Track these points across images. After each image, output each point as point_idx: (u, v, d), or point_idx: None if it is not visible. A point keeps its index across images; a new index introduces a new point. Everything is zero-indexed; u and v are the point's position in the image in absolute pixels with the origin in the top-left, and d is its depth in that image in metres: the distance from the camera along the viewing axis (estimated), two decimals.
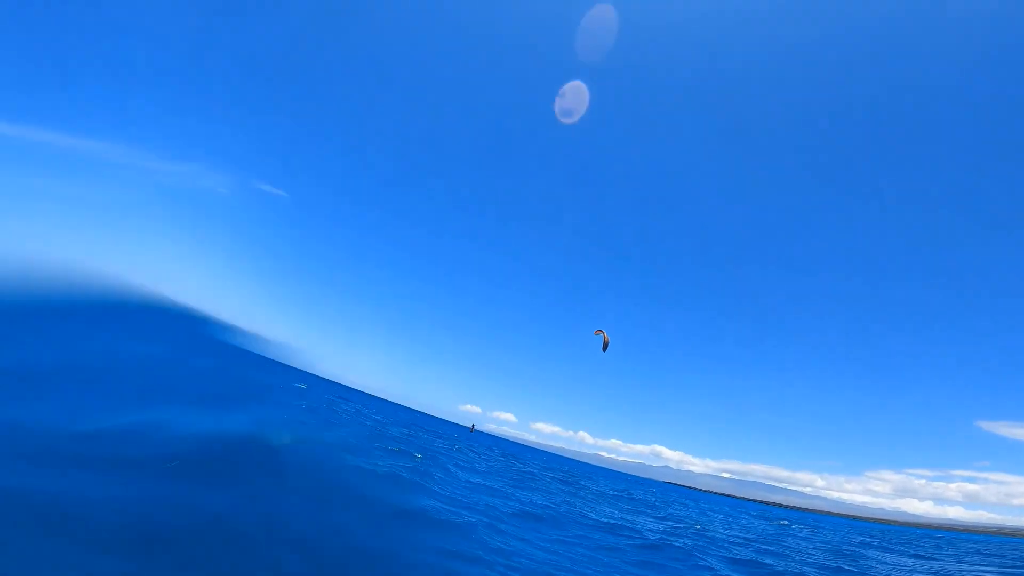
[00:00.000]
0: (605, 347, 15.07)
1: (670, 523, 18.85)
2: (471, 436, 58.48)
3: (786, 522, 38.41)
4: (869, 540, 27.61)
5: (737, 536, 18.70)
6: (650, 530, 15.11)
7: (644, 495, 36.50)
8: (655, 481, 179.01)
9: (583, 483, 32.66)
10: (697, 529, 18.21)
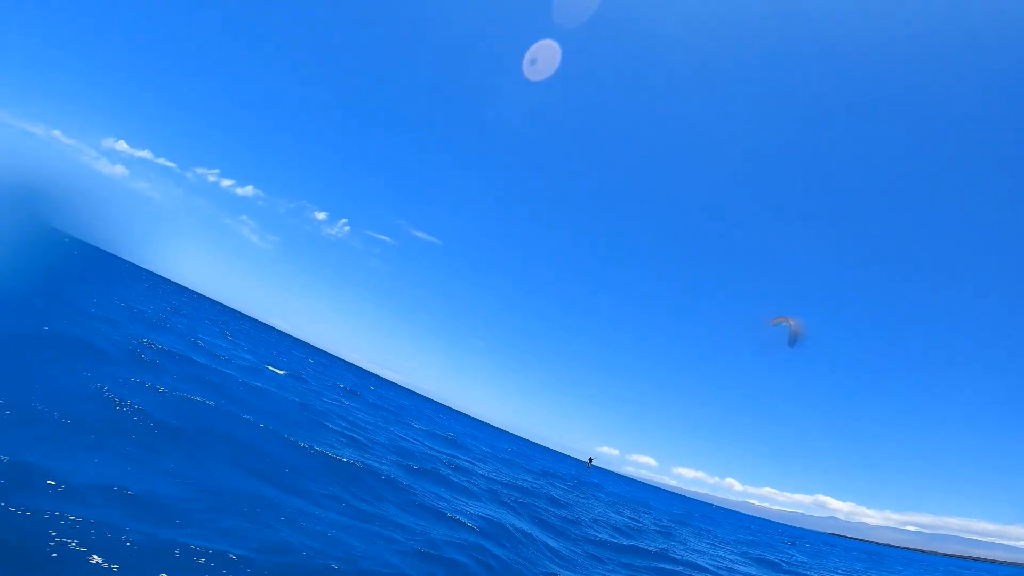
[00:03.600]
0: (794, 338, 11.83)
1: None
2: (588, 473, 53.16)
3: None
4: None
5: None
6: None
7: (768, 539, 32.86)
8: (816, 532, 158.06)
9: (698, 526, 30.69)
10: None
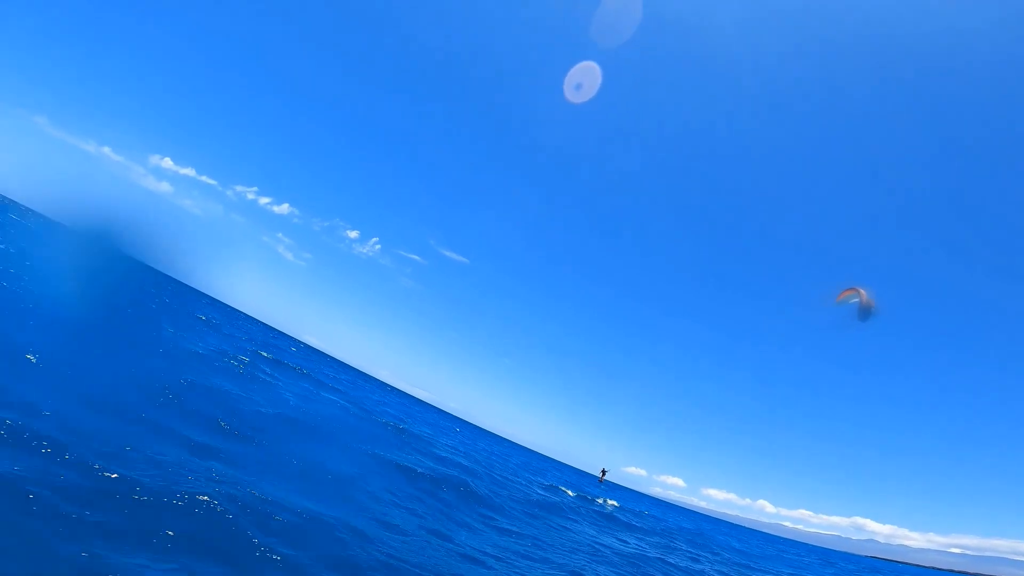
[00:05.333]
0: (866, 312, 10.49)
1: None
2: (601, 488, 42.13)
3: None
4: None
5: None
6: None
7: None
8: (855, 556, 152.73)
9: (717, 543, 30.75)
10: None
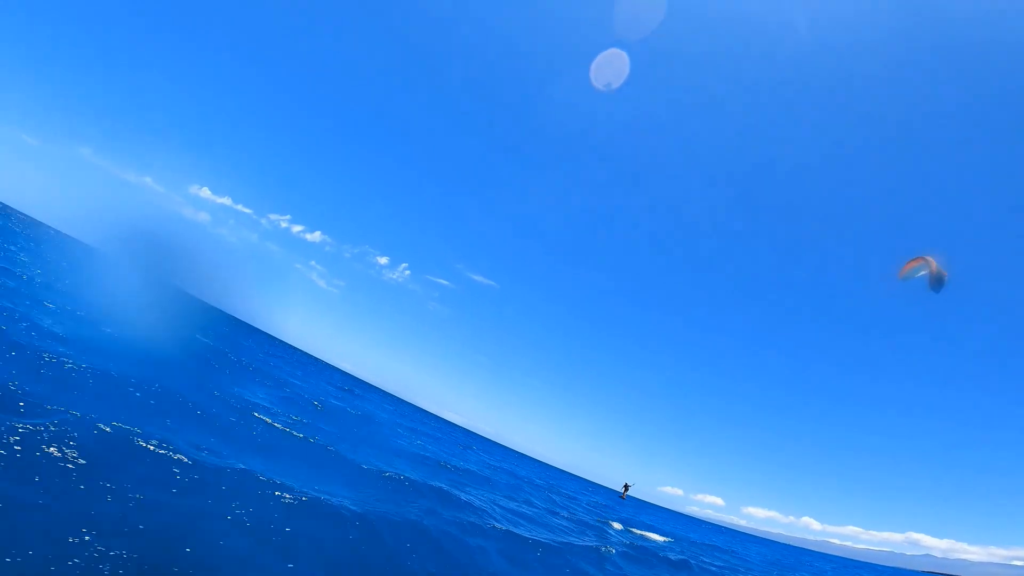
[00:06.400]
0: (938, 281, 9.27)
1: None
2: (623, 504, 40.29)
3: None
4: None
5: None
6: None
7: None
8: (911, 571, 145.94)
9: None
10: None
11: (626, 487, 39.31)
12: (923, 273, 9.51)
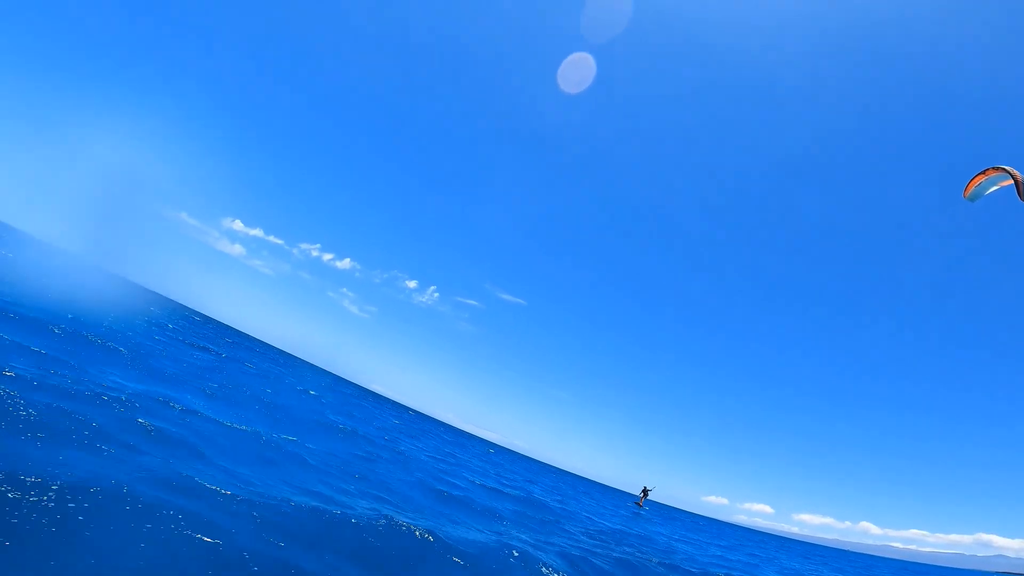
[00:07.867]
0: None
1: None
2: (639, 517, 29.08)
3: None
4: None
5: None
6: None
7: None
8: (981, 572, 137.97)
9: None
10: None
11: (644, 492, 33.19)
12: (999, 186, 7.35)
